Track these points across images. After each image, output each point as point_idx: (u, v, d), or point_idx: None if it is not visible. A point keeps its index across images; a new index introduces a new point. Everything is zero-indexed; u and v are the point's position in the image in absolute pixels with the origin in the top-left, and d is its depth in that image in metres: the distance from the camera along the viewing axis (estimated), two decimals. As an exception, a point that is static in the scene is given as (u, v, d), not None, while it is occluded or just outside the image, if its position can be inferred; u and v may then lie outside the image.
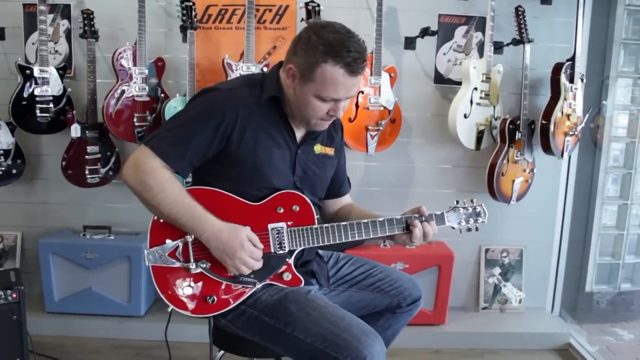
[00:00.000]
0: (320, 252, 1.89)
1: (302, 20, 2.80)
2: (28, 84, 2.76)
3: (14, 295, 2.40)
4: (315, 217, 1.67)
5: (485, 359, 2.89)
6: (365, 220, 1.67)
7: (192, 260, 1.58)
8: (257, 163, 1.63)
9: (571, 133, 2.86)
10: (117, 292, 2.91)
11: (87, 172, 2.84)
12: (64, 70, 2.85)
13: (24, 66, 2.75)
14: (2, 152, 2.82)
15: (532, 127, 2.89)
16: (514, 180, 2.88)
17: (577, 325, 3.17)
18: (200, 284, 1.60)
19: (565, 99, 2.81)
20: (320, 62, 1.51)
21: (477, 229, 1.79)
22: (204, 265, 1.59)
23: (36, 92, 2.76)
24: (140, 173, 1.56)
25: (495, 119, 2.87)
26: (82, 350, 2.79)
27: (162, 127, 1.67)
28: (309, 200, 1.67)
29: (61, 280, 2.92)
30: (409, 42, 3.01)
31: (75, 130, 2.79)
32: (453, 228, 1.76)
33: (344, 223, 1.66)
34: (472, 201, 1.80)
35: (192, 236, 1.58)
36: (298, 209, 1.65)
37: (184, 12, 2.76)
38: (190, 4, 2.76)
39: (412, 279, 1.88)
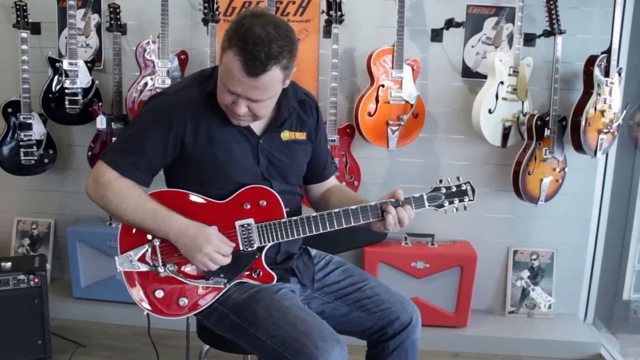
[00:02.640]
0: (312, 252, 1.83)
1: (323, 12, 2.76)
2: (57, 76, 2.86)
3: (36, 280, 2.51)
4: (284, 210, 1.62)
5: (507, 365, 2.78)
6: (337, 210, 1.60)
7: (160, 263, 1.58)
8: (216, 161, 1.60)
9: (606, 130, 2.68)
10: (139, 280, 2.98)
11: (112, 162, 2.92)
12: (92, 63, 2.94)
13: (54, 59, 2.85)
14: (34, 141, 2.95)
15: (564, 123, 2.73)
16: (542, 180, 2.74)
17: (612, 335, 2.98)
18: (170, 286, 1.59)
19: (599, 94, 2.64)
20: (227, 48, 1.43)
21: (465, 208, 1.68)
22: (172, 268, 1.58)
23: (65, 85, 2.86)
24: (99, 187, 1.57)
25: (524, 115, 2.74)
26: (103, 336, 2.88)
27: (116, 139, 1.66)
28: (276, 194, 1.61)
29: (87, 268, 3.01)
30: (435, 35, 2.92)
31: (100, 122, 2.87)
32: (436, 210, 1.66)
33: (314, 215, 1.60)
34: (458, 179, 1.69)
35: (159, 240, 1.57)
36: (265, 203, 1.61)
37: (206, 4, 2.78)
38: (212, -4, 2.78)
39: (403, 300, 1.72)
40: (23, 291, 2.49)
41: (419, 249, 2.91)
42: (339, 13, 2.72)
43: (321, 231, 1.61)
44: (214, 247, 1.53)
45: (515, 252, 3.05)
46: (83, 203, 3.18)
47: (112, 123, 2.89)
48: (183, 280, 1.59)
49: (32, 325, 2.52)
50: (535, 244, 3.06)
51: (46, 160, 3.00)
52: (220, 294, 1.61)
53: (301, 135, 1.73)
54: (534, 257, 3.05)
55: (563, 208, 2.96)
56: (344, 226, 1.61)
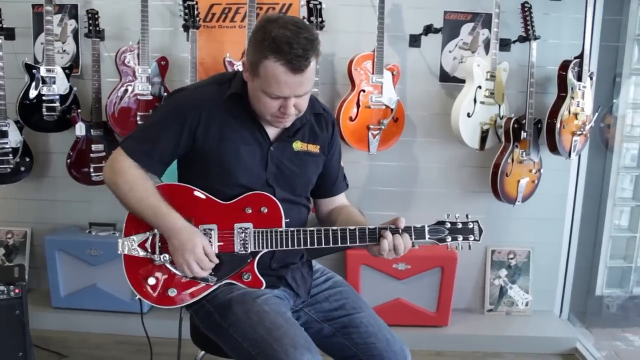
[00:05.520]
0: (315, 265, 1.84)
1: (304, 18, 2.79)
2: (34, 83, 2.81)
3: (17, 291, 2.45)
4: (284, 220, 1.64)
5: (487, 362, 2.85)
6: (334, 228, 1.62)
7: (157, 252, 1.61)
8: (222, 160, 1.64)
9: (579, 132, 2.78)
10: (121, 289, 2.93)
11: (91, 170, 2.88)
12: (70, 69, 2.89)
13: (31, 65, 2.81)
14: (10, 149, 2.88)
15: (539, 126, 2.82)
16: (519, 181, 2.82)
17: (586, 329, 3.09)
18: (163, 276, 1.63)
19: (572, 98, 2.74)
20: (262, 59, 1.49)
21: (469, 247, 1.64)
22: (166, 258, 1.61)
23: (42, 92, 2.81)
24: (113, 173, 1.64)
25: (501, 118, 2.81)
26: (85, 346, 2.83)
27: (136, 129, 1.73)
28: (278, 204, 1.64)
29: (67, 277, 2.97)
30: (413, 40, 2.97)
31: (79, 129, 2.84)
32: (438, 244, 1.64)
33: (312, 229, 1.63)
34: (466, 216, 1.66)
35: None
36: (266, 210, 1.64)
37: (186, 11, 2.78)
38: (193, 3, 2.78)
39: (390, 339, 1.65)
40: (3, 302, 2.43)
41: (401, 251, 2.95)
42: (319, 19, 2.75)
43: (316, 246, 1.62)
44: (195, 257, 1.57)
45: (493, 251, 3.13)
46: (60, 211, 3.17)
47: (92, 130, 2.86)
48: (174, 271, 1.62)
49: (12, 337, 2.45)
50: (512, 243, 3.14)
51: (22, 169, 2.94)
52: (209, 291, 1.63)
53: (314, 148, 1.76)
54: (511, 256, 3.13)
55: (538, 208, 3.05)
56: (339, 245, 1.61)
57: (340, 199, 1.92)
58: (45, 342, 2.77)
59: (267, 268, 1.68)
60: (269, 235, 1.62)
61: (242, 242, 1.62)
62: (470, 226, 1.65)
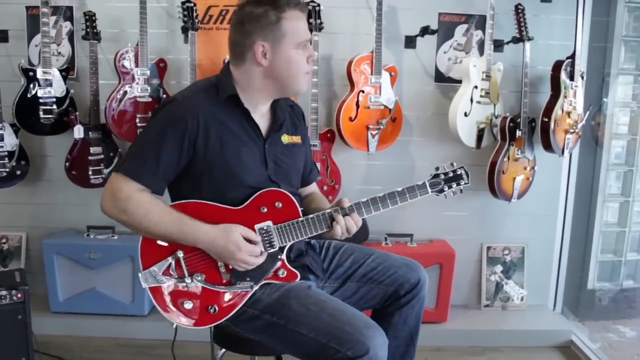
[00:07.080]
0: (312, 243, 1.88)
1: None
2: (31, 85, 2.78)
3: (19, 295, 2.43)
4: (300, 209, 1.68)
5: (487, 357, 2.89)
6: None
7: (186, 274, 1.59)
8: (226, 164, 1.63)
9: (572, 131, 2.86)
10: (121, 291, 2.94)
11: (90, 172, 2.87)
12: (66, 71, 2.87)
13: (27, 68, 2.78)
14: (6, 153, 2.85)
15: (533, 125, 2.89)
16: (514, 178, 2.89)
17: (579, 322, 3.17)
18: (199, 296, 1.60)
19: (565, 97, 2.82)
20: (279, 20, 1.58)
21: (461, 191, 1.79)
22: (200, 278, 1.59)
23: (39, 94, 2.78)
24: (120, 202, 1.57)
25: (496, 117, 2.88)
26: (86, 350, 2.81)
27: (129, 151, 1.66)
28: (289, 194, 1.67)
29: (65, 281, 2.95)
30: (409, 41, 3.02)
31: (78, 132, 2.82)
32: (437, 195, 1.76)
33: (328, 211, 1.67)
34: (452, 164, 1.80)
35: (182, 251, 1.59)
36: (281, 204, 1.66)
37: (185, 13, 2.78)
38: (191, 4, 2.79)
39: (408, 262, 1.83)
40: (6, 307, 2.40)
41: (399, 248, 3.00)
42: (318, 21, 2.78)
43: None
44: (246, 252, 1.58)
45: (488, 248, 3.20)
46: (56, 215, 3.15)
47: (90, 132, 2.85)
48: (211, 288, 1.60)
49: (15, 342, 2.43)
50: (507, 239, 3.21)
51: (18, 172, 2.91)
52: (247, 297, 1.63)
53: (297, 139, 1.82)
54: (506, 252, 3.20)
55: (532, 205, 3.12)
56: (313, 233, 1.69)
57: (312, 187, 1.99)
58: (45, 346, 2.74)
59: (289, 261, 1.71)
60: (292, 227, 1.65)
61: (267, 241, 1.64)
62: (459, 172, 1.80)
